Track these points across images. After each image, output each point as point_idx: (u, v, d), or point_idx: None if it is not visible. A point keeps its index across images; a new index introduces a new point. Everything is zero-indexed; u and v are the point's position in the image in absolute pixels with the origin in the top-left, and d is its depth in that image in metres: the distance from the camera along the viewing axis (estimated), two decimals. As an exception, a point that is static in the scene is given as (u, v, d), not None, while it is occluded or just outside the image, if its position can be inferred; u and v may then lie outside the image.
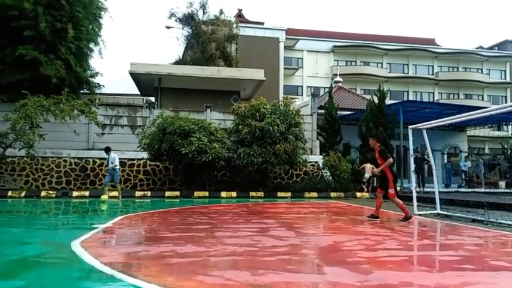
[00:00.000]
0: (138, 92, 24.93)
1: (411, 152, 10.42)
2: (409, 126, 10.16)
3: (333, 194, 16.22)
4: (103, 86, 19.98)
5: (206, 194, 15.25)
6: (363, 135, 18.85)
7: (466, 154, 24.45)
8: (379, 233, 6.68)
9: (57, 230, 7.18)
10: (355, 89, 39.72)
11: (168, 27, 29.12)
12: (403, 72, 47.07)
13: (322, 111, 20.82)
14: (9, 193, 14.01)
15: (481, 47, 52.52)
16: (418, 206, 10.09)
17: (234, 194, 15.42)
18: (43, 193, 14.38)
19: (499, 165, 24.44)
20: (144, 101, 22.70)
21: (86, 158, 16.24)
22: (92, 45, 18.77)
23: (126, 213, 9.63)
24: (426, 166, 19.09)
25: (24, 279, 3.66)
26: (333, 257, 4.74)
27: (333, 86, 26.57)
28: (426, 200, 12.27)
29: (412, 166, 10.56)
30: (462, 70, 47.77)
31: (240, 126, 15.35)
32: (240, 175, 16.34)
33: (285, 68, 40.44)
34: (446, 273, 4.07)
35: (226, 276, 3.70)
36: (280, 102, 16.52)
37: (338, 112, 21.00)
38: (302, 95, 42.41)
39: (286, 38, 40.33)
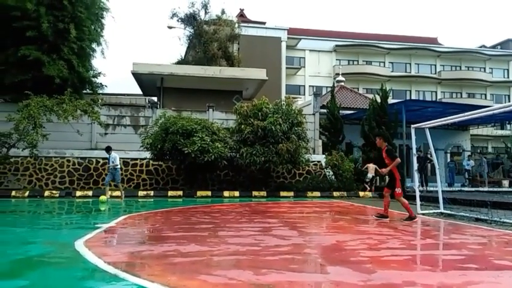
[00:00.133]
0: (140, 92, 24.99)
1: (414, 151, 10.39)
2: (412, 126, 10.13)
3: (335, 194, 16.20)
4: (106, 86, 20.06)
5: (209, 193, 15.26)
6: (366, 134, 18.82)
7: (469, 153, 24.38)
8: (382, 232, 6.67)
9: (60, 229, 7.21)
10: (358, 88, 39.66)
11: (170, 27, 29.18)
12: (406, 72, 46.95)
13: (325, 110, 20.79)
14: (13, 193, 14.07)
15: (484, 46, 52.32)
16: (421, 205, 10.07)
17: (236, 193, 15.43)
18: (46, 193, 14.43)
19: (503, 164, 24.37)
20: (147, 100, 22.75)
21: (89, 157, 16.28)
22: (94, 45, 18.84)
23: (129, 212, 9.66)
24: (429, 165, 19.04)
25: (28, 279, 3.68)
26: (336, 256, 4.74)
27: (335, 85, 26.55)
28: (429, 199, 12.23)
29: (415, 165, 10.53)
30: (465, 69, 47.59)
31: (243, 126, 15.35)
32: (243, 174, 16.35)
33: (287, 68, 40.39)
34: (450, 273, 4.06)
35: (229, 276, 3.71)
36: (282, 102, 16.50)
37: (340, 111, 20.96)
38: (304, 95, 42.34)
39: (288, 38, 40.28)
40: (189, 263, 4.20)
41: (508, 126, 35.15)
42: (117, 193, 13.66)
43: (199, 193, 15.08)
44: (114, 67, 66.06)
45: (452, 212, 9.49)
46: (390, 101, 20.35)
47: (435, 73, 47.45)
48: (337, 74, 31.75)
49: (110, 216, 9.06)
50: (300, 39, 43.08)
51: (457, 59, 47.94)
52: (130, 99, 24.75)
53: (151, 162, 16.37)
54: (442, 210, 9.73)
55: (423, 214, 9.44)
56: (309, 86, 43.80)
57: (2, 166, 15.18)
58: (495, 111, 8.20)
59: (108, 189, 13.35)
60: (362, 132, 19.12)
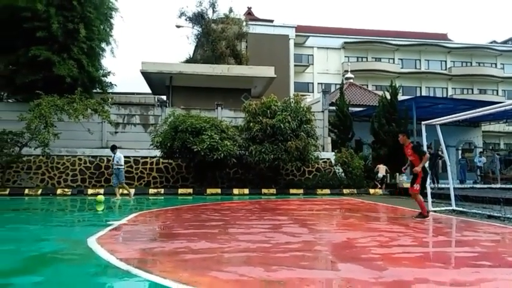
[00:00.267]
0: (149, 91, 25.12)
1: (425, 148, 10.29)
2: (423, 122, 10.03)
3: (345, 191, 16.14)
4: (115, 85, 20.20)
5: (218, 191, 15.32)
6: (375, 131, 18.71)
7: (480, 150, 24.05)
8: (393, 229, 6.63)
9: (73, 227, 7.30)
10: (367, 85, 39.38)
11: (178, 26, 29.25)
12: (416, 68, 46.51)
13: (334, 108, 20.71)
14: (26, 191, 14.27)
15: (495, 42, 51.59)
16: (432, 202, 9.96)
17: (246, 191, 15.46)
18: (59, 191, 14.62)
19: (515, 160, 23.99)
20: (156, 99, 22.86)
21: (100, 156, 16.43)
22: (103, 45, 18.97)
23: (141, 210, 9.74)
24: (440, 162, 18.84)
25: (42, 275, 3.73)
26: (346, 253, 4.72)
27: (344, 82, 26.36)
28: (441, 196, 12.11)
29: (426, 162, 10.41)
30: (476, 65, 46.99)
31: (251, 124, 15.36)
32: (252, 172, 16.37)
33: (295, 65, 40.28)
34: (463, 270, 4.02)
35: (240, 272, 3.72)
36: (291, 100, 16.48)
37: (350, 108, 20.86)
38: (313, 92, 42.21)
39: (296, 35, 40.14)
40: (200, 259, 4.22)
41: (521, 122, 34.63)
42: (125, 191, 13.67)
43: (209, 191, 15.14)
44: (123, 66, 66.55)
45: (465, 209, 9.39)
46: (400, 97, 20.19)
47: (445, 69, 46.93)
48: (346, 71, 31.61)
49: (122, 213, 9.14)
50: (308, 36, 42.89)
51: (468, 55, 47.34)
52: (140, 98, 24.85)
53: (161, 160, 16.47)
54: (454, 207, 9.63)
55: (435, 211, 9.35)
56: (318, 83, 43.62)
57: (15, 165, 15.42)
58: (507, 107, 8.09)
59: (118, 189, 13.19)
60: (372, 129, 19.00)
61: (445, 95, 45.03)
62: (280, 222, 7.28)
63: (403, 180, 17.46)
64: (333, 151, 18.45)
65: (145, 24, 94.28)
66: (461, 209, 9.49)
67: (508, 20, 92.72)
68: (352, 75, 29.51)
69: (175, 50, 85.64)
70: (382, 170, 16.94)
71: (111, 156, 15.98)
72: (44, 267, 4.08)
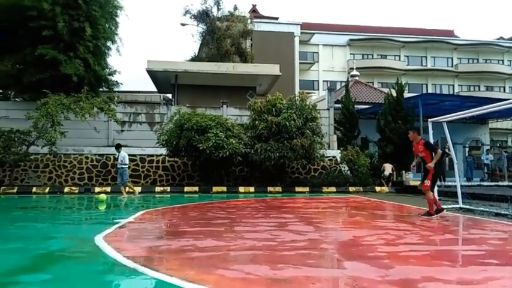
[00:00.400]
0: (155, 89, 25.18)
1: (432, 145, 10.22)
2: (429, 120, 9.97)
3: (351, 189, 16.11)
4: (121, 83, 20.33)
5: (224, 189, 15.35)
6: (381, 129, 18.63)
7: (488, 147, 23.88)
8: (400, 227, 6.60)
9: (80, 225, 7.35)
10: (373, 83, 39.16)
11: (183, 24, 29.30)
12: (422, 65, 46.16)
13: (339, 105, 20.64)
14: (34, 189, 14.41)
15: (502, 38, 50.98)
16: (439, 200, 9.88)
17: (251, 189, 15.49)
18: (66, 189, 14.74)
19: (523, 158, 23.76)
20: (162, 98, 22.93)
21: (107, 154, 16.53)
22: (109, 43, 19.05)
23: (147, 208, 9.79)
24: (447, 160, 18.73)
25: (50, 273, 3.77)
26: (352, 251, 4.71)
27: (350, 79, 26.29)
28: (447, 194, 12.05)
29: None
30: (482, 62, 46.53)
31: (257, 122, 15.36)
32: (258, 170, 16.37)
33: (300, 63, 40.14)
34: (470, 268, 4.00)
35: (246, 270, 3.72)
36: (296, 97, 16.46)
37: (355, 106, 20.79)
38: (318, 90, 42.08)
39: (301, 33, 39.99)
40: (206, 257, 4.24)
41: (529, 119, 34.31)
42: (135, 189, 13.74)
43: (214, 189, 15.17)
44: (128, 65, 66.70)
45: (472, 207, 9.33)
46: (406, 95, 20.08)
47: (452, 66, 46.55)
48: (352, 69, 31.48)
49: (128, 211, 9.19)
50: (313, 33, 42.72)
51: (475, 52, 46.91)
52: (146, 96, 24.95)
53: (167, 158, 16.52)
54: (460, 205, 9.57)
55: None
56: (323, 81, 43.45)
57: (23, 163, 15.55)
58: (515, 104, 8.00)
59: (124, 188, 13.22)
60: (378, 127, 18.92)
61: (451, 92, 44.67)
62: (286, 220, 7.29)
63: (410, 178, 17.39)
64: (338, 149, 18.40)
65: (151, 23, 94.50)
66: (468, 206, 9.43)
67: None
68: (358, 73, 29.37)
69: (180, 48, 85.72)
70: (388, 168, 16.94)
71: (117, 154, 16.12)
72: (51, 265, 4.12)
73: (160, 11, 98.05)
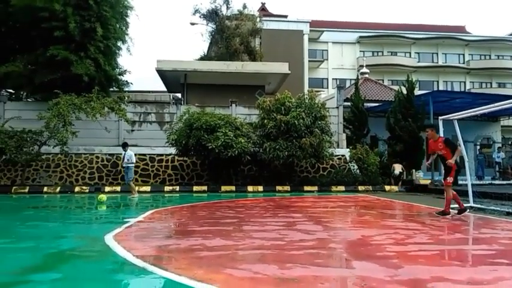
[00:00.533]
0: (165, 89, 25.34)
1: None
2: (440, 117, 9.86)
3: (360, 188, 16.01)
4: (131, 83, 20.43)
5: (233, 188, 15.38)
6: (391, 127, 18.48)
7: (499, 145, 23.54)
8: (409, 226, 6.56)
9: (91, 224, 7.44)
10: (383, 80, 38.91)
11: (192, 24, 29.40)
12: (433, 62, 45.70)
13: (349, 103, 20.52)
14: (45, 189, 14.58)
15: (515, 33, 50.24)
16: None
17: (260, 188, 15.49)
18: (77, 189, 14.90)
19: (536, 156, 23.40)
20: (171, 97, 23.05)
21: (117, 154, 16.64)
22: (119, 43, 19.17)
23: (156, 207, 9.87)
24: (458, 158, 18.51)
25: (60, 272, 3.83)
26: (361, 251, 4.69)
27: (359, 77, 26.11)
28: (458, 193, 11.82)
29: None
30: (495, 58, 45.90)
31: (266, 121, 15.35)
32: (266, 169, 16.36)
33: (309, 61, 39.97)
34: (480, 268, 3.96)
35: (255, 270, 3.74)
36: (305, 96, 16.38)
37: (365, 104, 20.65)
38: (327, 88, 41.91)
39: (311, 30, 39.81)
40: (215, 256, 4.26)
41: (542, 116, 33.72)
42: (145, 188, 13.81)
43: (223, 188, 15.21)
44: (138, 65, 67.19)
45: (483, 206, 9.23)
46: (417, 92, 19.86)
47: (463, 63, 45.98)
48: (361, 66, 31.25)
49: (138, 211, 9.27)
50: (323, 31, 42.51)
51: (487, 48, 46.27)
52: (155, 96, 25.13)
53: (176, 157, 16.60)
54: (471, 204, 9.46)
55: (452, 208, 9.19)
56: (332, 78, 43.27)
57: (35, 163, 15.77)
58: (527, 102, 7.88)
59: (132, 185, 13.20)
60: (387, 125, 18.76)
61: (462, 89, 44.15)
62: (294, 220, 7.29)
63: (420, 176, 17.24)
64: (347, 147, 18.29)
65: (161, 22, 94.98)
66: (479, 205, 9.33)
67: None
68: (368, 70, 29.16)
69: (190, 47, 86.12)
70: (398, 167, 16.90)
71: (123, 153, 16.23)
72: (62, 264, 4.18)
73: (170, 11, 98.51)
